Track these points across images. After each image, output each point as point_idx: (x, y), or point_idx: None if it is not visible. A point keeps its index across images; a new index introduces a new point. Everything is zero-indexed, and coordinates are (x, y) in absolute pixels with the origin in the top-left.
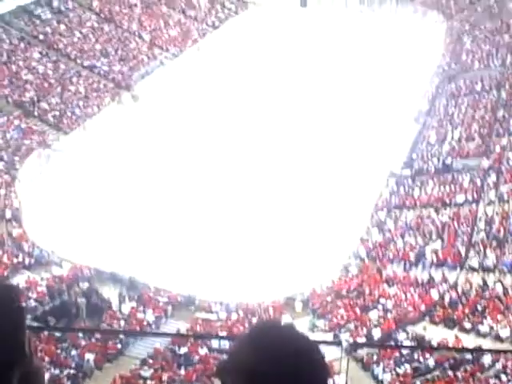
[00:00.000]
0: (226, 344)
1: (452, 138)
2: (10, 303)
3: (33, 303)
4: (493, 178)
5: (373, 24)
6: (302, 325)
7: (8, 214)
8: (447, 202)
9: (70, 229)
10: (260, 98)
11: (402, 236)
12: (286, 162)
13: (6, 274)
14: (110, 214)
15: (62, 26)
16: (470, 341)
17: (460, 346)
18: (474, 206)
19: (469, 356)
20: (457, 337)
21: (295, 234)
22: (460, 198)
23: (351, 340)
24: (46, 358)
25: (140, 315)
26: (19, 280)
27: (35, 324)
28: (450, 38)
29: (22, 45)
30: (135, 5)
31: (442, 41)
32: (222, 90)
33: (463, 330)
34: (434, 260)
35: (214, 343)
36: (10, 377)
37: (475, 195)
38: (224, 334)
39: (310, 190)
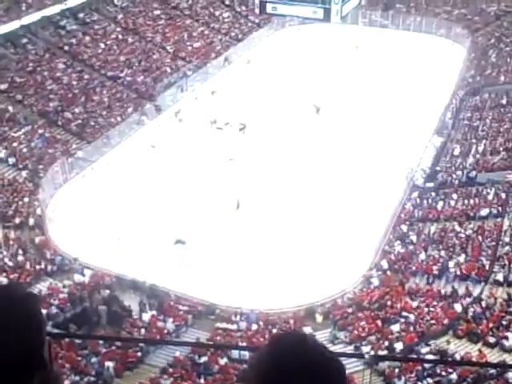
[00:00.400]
0: (245, 354)
1: (476, 151)
2: (30, 311)
3: (54, 310)
4: None
5: (396, 38)
6: (323, 336)
7: (31, 222)
8: (471, 215)
9: (93, 236)
10: (283, 105)
11: (425, 249)
12: (308, 171)
13: (28, 280)
14: (132, 221)
15: (87, 38)
16: (494, 355)
17: (484, 361)
18: (498, 219)
19: (493, 371)
20: (480, 351)
21: (317, 244)
22: (484, 212)
23: (372, 353)
24: (67, 365)
25: (160, 324)
26: (41, 287)
27: (56, 331)
28: (475, 52)
29: (48, 55)
30: (159, 17)
31: (466, 54)
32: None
33: (487, 344)
34: (458, 273)
35: (234, 353)
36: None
37: (500, 209)
38: (244, 344)
39: (332, 200)
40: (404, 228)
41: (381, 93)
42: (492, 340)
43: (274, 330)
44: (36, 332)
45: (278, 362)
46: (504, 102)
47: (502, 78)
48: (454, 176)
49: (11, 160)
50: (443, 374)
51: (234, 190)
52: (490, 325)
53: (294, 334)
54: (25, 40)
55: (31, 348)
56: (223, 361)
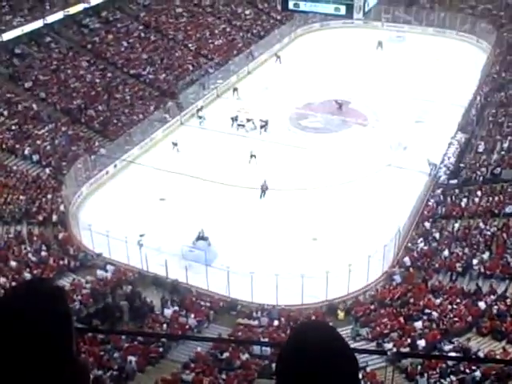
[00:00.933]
0: (267, 350)
1: (501, 147)
2: (59, 305)
3: (77, 305)
4: None
5: (420, 33)
6: (345, 333)
7: (54, 218)
8: (496, 212)
9: (116, 232)
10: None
11: (449, 246)
12: (331, 166)
13: (51, 276)
14: (155, 217)
15: (110, 36)
16: None
17: (508, 359)
18: None
19: None
20: (505, 349)
21: (339, 241)
22: (509, 209)
23: (395, 350)
24: (90, 359)
25: (182, 319)
26: (64, 282)
27: (79, 325)
28: (501, 48)
29: (71, 54)
30: (181, 15)
31: (492, 50)
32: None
33: (511, 342)
34: (482, 271)
35: (256, 349)
36: (59, 376)
37: None
38: (265, 340)
39: (355, 196)
40: (427, 225)
41: (405, 89)
42: None
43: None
44: (65, 326)
45: (300, 352)
46: None
47: None
48: (479, 173)
49: (35, 157)
50: (467, 371)
51: (259, 180)
52: None
53: (317, 323)
54: (48, 39)
55: (60, 342)
56: (245, 356)
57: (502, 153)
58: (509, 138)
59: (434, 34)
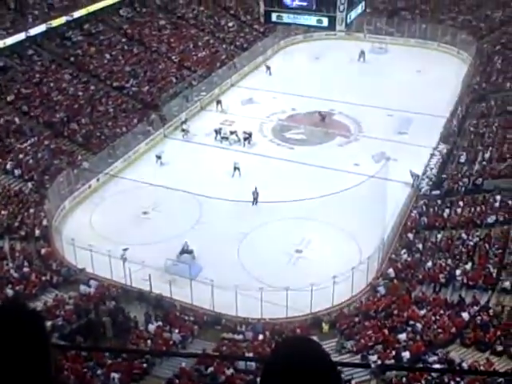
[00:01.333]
0: (252, 365)
1: (483, 158)
2: (34, 329)
3: (60, 321)
4: None
5: (402, 44)
6: (330, 346)
7: (37, 233)
8: (478, 222)
9: (99, 247)
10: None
11: (432, 257)
12: (314, 176)
13: (34, 292)
14: (138, 231)
15: (93, 48)
16: (502, 364)
17: (492, 370)
18: (505, 226)
19: (501, 380)
20: (488, 360)
21: (323, 253)
22: (491, 219)
23: (380, 362)
24: (72, 377)
25: (166, 334)
26: (47, 298)
27: (62, 342)
28: (481, 59)
29: (53, 66)
30: (164, 27)
31: (472, 61)
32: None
33: (495, 353)
34: (465, 282)
35: (241, 364)
36: None
37: (507, 216)
38: (250, 354)
39: (338, 207)
40: (410, 236)
41: (388, 100)
42: (500, 348)
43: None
44: (40, 349)
45: (284, 362)
46: (510, 108)
47: (508, 85)
48: (461, 183)
49: (17, 171)
50: (451, 383)
51: (243, 193)
52: (498, 333)
53: (299, 338)
54: (31, 51)
55: (36, 364)
56: (229, 371)
57: (484, 163)
58: (490, 148)
59: (415, 45)
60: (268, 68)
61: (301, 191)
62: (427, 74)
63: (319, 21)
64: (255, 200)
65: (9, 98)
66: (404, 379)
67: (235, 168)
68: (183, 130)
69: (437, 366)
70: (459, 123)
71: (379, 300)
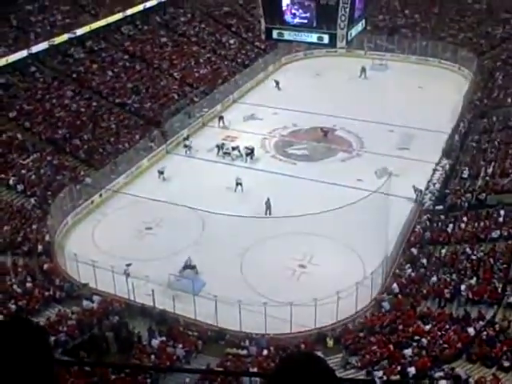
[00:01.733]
0: (256, 380)
1: (486, 173)
2: (38, 346)
3: (63, 337)
4: None
5: (402, 61)
6: (334, 361)
7: (39, 248)
8: (482, 237)
9: (102, 262)
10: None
11: (437, 272)
12: (317, 192)
13: (37, 307)
14: (142, 246)
15: (95, 65)
16: (508, 380)
17: None
18: (509, 241)
19: None
20: (495, 376)
21: (327, 268)
22: (495, 234)
23: (385, 378)
24: None
25: (170, 349)
26: (50, 313)
27: (65, 358)
28: (482, 75)
29: (56, 83)
30: (166, 44)
31: (473, 77)
32: None
33: (502, 368)
34: (470, 296)
35: (245, 380)
36: None
37: (511, 231)
38: (254, 370)
39: (341, 224)
40: (414, 251)
41: (389, 116)
42: (507, 364)
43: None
44: (45, 365)
45: (289, 378)
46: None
47: (510, 100)
48: (464, 198)
49: (20, 187)
50: None
51: (245, 208)
52: (505, 348)
53: (304, 353)
54: (33, 68)
55: (40, 381)
56: None
57: (487, 178)
58: (492, 163)
59: (416, 61)
60: (277, 83)
61: (303, 206)
62: (428, 91)
63: (320, 38)
64: (268, 210)
65: (11, 115)
66: None
67: (237, 183)
68: (186, 146)
69: (443, 381)
70: (461, 139)
71: (384, 315)
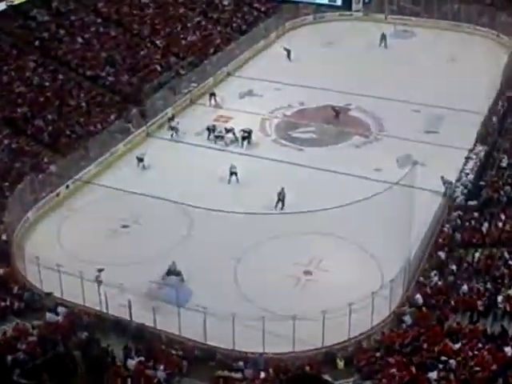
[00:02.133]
0: None
1: None
2: None
3: (22, 356)
4: None
5: (430, 27)
6: None
7: None
8: None
9: (69, 267)
10: None
11: (468, 280)
12: (331, 184)
13: None
14: (117, 248)
15: (62, 31)
16: None
17: None
18: None
19: None
20: None
21: (337, 274)
22: None
23: None
24: None
25: (149, 372)
26: (6, 328)
27: (24, 381)
28: None
29: (15, 52)
30: (147, 5)
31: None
32: None
33: None
34: (508, 310)
35: None
36: None
37: None
38: None
39: (355, 222)
40: (442, 255)
41: (415, 93)
42: None
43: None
44: None
45: None
46: None
47: None
48: (502, 192)
49: None
50: None
51: (240, 203)
52: None
53: (308, 376)
54: None
55: None
56: None
57: None
58: None
59: (447, 27)
60: (288, 52)
61: (310, 201)
62: (461, 63)
63: None
64: (281, 202)
65: None
66: None
67: (232, 173)
68: (172, 129)
69: None
70: (500, 121)
71: (405, 332)
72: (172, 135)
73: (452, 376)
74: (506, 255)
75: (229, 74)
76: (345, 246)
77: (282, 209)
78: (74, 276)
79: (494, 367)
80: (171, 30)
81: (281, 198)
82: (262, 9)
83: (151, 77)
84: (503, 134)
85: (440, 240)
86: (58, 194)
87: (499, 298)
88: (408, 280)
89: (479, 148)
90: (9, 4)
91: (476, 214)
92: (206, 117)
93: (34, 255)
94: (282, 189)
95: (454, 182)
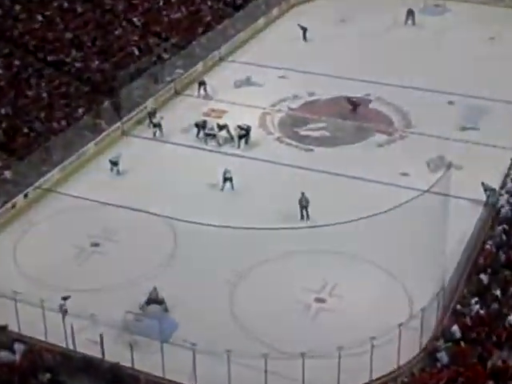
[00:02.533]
0: None
1: None
2: None
3: None
4: None
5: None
6: None
7: None
8: None
9: (27, 294)
10: None
11: None
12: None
13: None
14: (84, 272)
15: (17, 7)
16: None
17: None
18: None
19: None
20: None
21: (355, 302)
22: None
23: None
24: None
25: None
26: None
27: None
28: None
29: None
30: None
31: None
32: None
33: None
34: None
35: None
36: None
37: None
38: None
39: (377, 236)
40: (484, 278)
41: (448, 81)
42: None
43: None
44: None
45: None
46: None
47: None
48: None
49: None
50: None
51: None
52: None
53: None
54: None
55: None
56: None
57: None
58: None
59: (486, 1)
60: (304, 30)
61: (322, 212)
62: (504, 44)
63: None
64: (305, 209)
65: None
66: None
67: (226, 179)
68: (154, 126)
69: None
70: None
71: (440, 371)
72: (155, 134)
73: None
74: None
75: (221, 59)
76: (364, 267)
77: (308, 219)
78: (33, 305)
79: None
80: (151, 5)
81: (304, 204)
82: None
83: (127, 62)
84: None
85: (481, 260)
86: (13, 205)
87: None
88: (443, 308)
89: None
90: None
91: None
92: (194, 110)
93: None
94: (303, 194)
95: (497, 188)
